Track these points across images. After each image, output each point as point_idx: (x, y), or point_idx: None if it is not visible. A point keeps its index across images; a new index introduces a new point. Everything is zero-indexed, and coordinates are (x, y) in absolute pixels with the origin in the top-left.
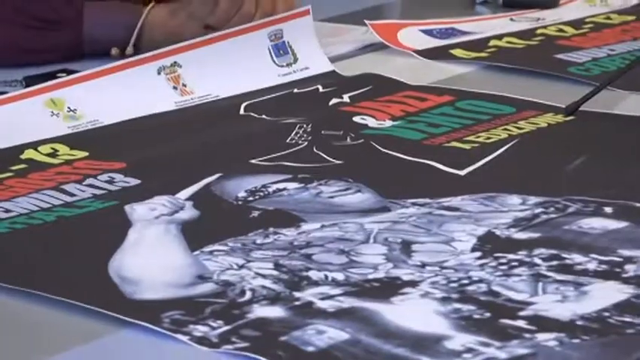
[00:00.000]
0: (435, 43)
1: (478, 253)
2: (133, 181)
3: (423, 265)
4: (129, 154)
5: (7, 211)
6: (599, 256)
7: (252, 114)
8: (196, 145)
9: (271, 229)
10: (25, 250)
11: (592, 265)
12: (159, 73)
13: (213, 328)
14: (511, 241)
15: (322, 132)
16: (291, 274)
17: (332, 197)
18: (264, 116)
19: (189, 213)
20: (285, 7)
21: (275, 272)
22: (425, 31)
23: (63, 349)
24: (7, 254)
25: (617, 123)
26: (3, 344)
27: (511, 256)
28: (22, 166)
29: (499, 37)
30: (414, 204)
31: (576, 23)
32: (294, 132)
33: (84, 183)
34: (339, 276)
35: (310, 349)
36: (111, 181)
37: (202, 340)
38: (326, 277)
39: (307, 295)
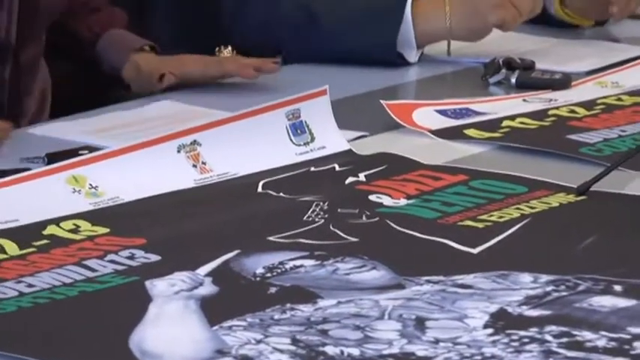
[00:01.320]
0: (449, 123)
1: (490, 330)
2: (154, 257)
3: (437, 341)
4: (149, 231)
5: (30, 285)
6: (608, 334)
7: (269, 192)
8: (215, 222)
9: (288, 305)
10: (48, 324)
11: (602, 342)
12: (179, 151)
13: None
14: (523, 319)
15: (339, 210)
16: (308, 349)
17: (348, 274)
18: (281, 194)
19: (208, 289)
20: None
21: (292, 347)
22: (439, 111)
23: None
24: (31, 328)
25: (627, 203)
26: None
27: (523, 333)
28: (45, 241)
29: (512, 117)
30: (428, 281)
31: (588, 104)
32: (311, 210)
33: (105, 259)
34: (355, 351)
35: None
36: (132, 257)
37: None
38: (342, 352)
39: None
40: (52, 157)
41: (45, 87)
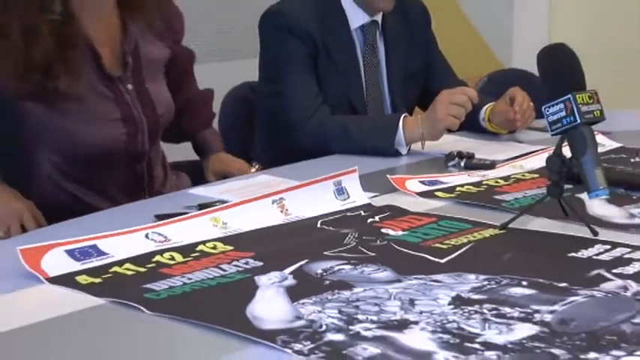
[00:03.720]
0: (426, 189)
1: (452, 306)
2: (259, 264)
3: (421, 312)
4: (256, 248)
5: (189, 279)
6: (520, 309)
7: (324, 227)
8: (293, 243)
9: (336, 291)
10: (200, 301)
11: (516, 314)
12: (272, 204)
13: (305, 345)
14: (470, 300)
15: (363, 237)
16: (348, 316)
17: (370, 274)
18: (331, 228)
19: (290, 281)
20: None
21: (338, 315)
22: (421, 182)
23: (227, 351)
24: (190, 303)
25: (530, 234)
26: (192, 348)
27: (470, 308)
28: (197, 254)
29: (461, 185)
30: (415, 278)
31: (505, 178)
32: (348, 237)
33: (232, 264)
34: (375, 318)
35: (359, 358)
36: (247, 263)
37: (299, 352)
38: (367, 318)
39: (357, 328)
40: (202, 206)
41: (164, 160)
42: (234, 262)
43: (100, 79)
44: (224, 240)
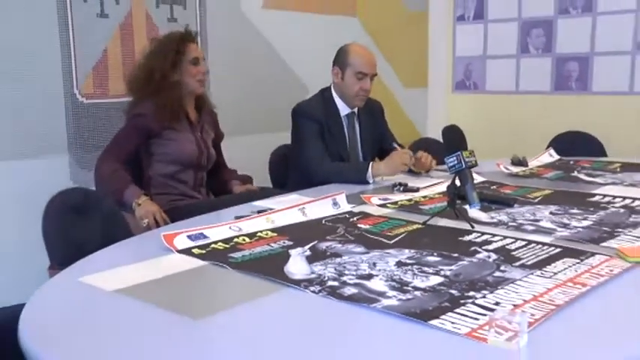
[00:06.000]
0: (382, 202)
1: (396, 267)
2: (291, 243)
3: (380, 270)
4: (290, 234)
5: (253, 251)
6: (433, 268)
7: (327, 223)
8: (309, 232)
9: (332, 258)
10: (259, 264)
11: (431, 271)
12: (298, 210)
13: (316, 288)
14: (406, 263)
15: (347, 229)
16: (339, 272)
17: (351, 249)
18: (330, 223)
19: (308, 253)
20: None
21: (334, 271)
22: (379, 198)
23: (271, 291)
24: (254, 265)
25: (438, 228)
26: (248, 290)
27: (406, 267)
28: (257, 238)
29: (400, 200)
30: (377, 251)
31: (425, 197)
32: (339, 229)
33: (276, 243)
34: (354, 273)
35: (345, 295)
36: (284, 243)
37: (313, 291)
38: (350, 273)
39: (344, 278)
40: (260, 211)
41: (206, 187)
42: (278, 242)
43: (188, 123)
44: (272, 230)
